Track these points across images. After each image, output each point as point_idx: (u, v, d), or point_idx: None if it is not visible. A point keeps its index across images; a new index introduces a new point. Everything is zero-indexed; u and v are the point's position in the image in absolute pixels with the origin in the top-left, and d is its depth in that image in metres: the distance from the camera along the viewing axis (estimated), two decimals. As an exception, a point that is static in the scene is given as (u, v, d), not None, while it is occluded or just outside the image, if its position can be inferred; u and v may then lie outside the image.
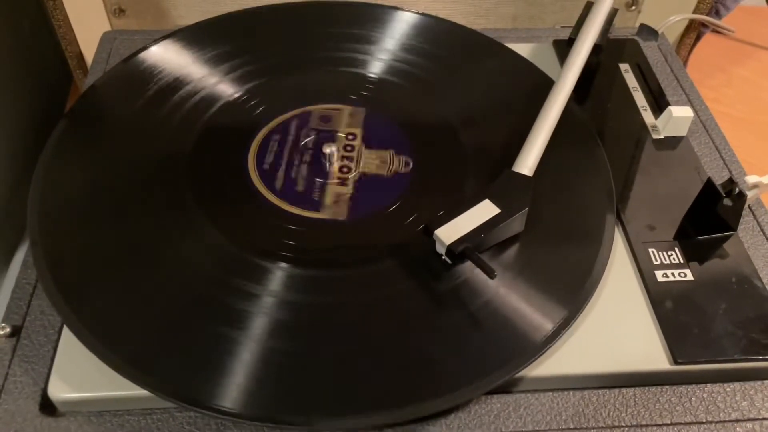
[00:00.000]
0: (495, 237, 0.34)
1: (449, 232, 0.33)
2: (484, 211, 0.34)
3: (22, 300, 0.34)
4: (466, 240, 0.33)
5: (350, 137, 0.40)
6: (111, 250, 0.34)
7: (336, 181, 0.38)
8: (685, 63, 0.60)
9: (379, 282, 0.33)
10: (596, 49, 0.44)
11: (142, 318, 0.32)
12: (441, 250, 0.33)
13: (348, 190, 0.38)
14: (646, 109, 0.44)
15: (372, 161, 0.39)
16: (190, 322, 0.32)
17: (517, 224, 0.35)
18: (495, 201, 0.34)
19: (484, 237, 0.33)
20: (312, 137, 0.40)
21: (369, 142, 0.40)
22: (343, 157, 0.39)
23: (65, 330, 0.32)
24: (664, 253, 0.36)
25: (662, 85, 0.46)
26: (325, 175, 0.38)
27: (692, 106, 0.45)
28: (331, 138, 0.40)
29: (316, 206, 0.37)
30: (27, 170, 0.38)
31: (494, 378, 0.30)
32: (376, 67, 0.45)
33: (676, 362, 0.32)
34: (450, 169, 0.39)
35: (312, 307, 0.32)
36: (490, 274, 0.31)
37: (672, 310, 0.34)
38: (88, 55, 0.55)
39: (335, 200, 0.37)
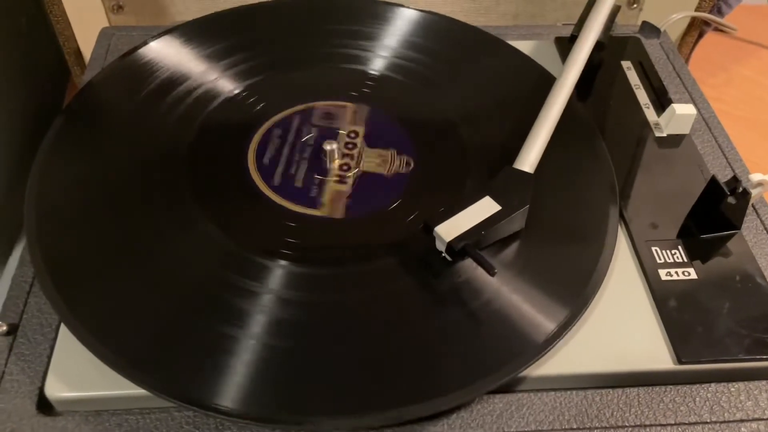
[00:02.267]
0: (495, 234, 0.34)
1: (449, 229, 0.33)
2: (485, 207, 0.34)
3: (19, 298, 0.34)
4: (466, 237, 0.32)
5: (352, 135, 0.40)
6: (109, 248, 0.34)
7: (335, 178, 0.38)
8: (686, 61, 0.60)
9: (381, 280, 0.33)
10: (598, 47, 0.44)
11: (140, 316, 0.31)
12: (441, 247, 0.33)
13: (347, 188, 0.37)
14: (648, 107, 0.44)
15: (372, 160, 0.39)
16: (189, 320, 0.31)
17: (517, 222, 0.35)
18: (496, 198, 0.34)
19: (485, 234, 0.33)
20: (313, 134, 0.40)
21: (371, 141, 0.40)
22: (344, 155, 0.39)
23: (62, 328, 0.32)
24: (668, 251, 0.36)
25: (664, 83, 0.46)
26: (325, 172, 0.38)
27: (695, 104, 0.45)
28: (332, 135, 0.40)
29: (314, 203, 0.36)
30: (24, 167, 0.37)
31: (496, 377, 0.30)
32: (377, 64, 0.44)
33: (680, 362, 0.32)
34: (451, 166, 0.39)
35: (312, 306, 0.32)
36: (491, 271, 0.31)
37: (676, 309, 0.33)
38: (86, 51, 0.55)
39: (333, 198, 0.37)
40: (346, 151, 0.39)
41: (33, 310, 0.33)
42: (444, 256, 0.33)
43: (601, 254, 0.34)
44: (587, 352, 0.32)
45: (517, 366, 0.30)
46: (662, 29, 0.51)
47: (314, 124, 0.41)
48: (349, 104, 0.42)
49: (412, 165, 0.38)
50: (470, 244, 0.32)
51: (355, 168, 0.38)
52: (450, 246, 0.32)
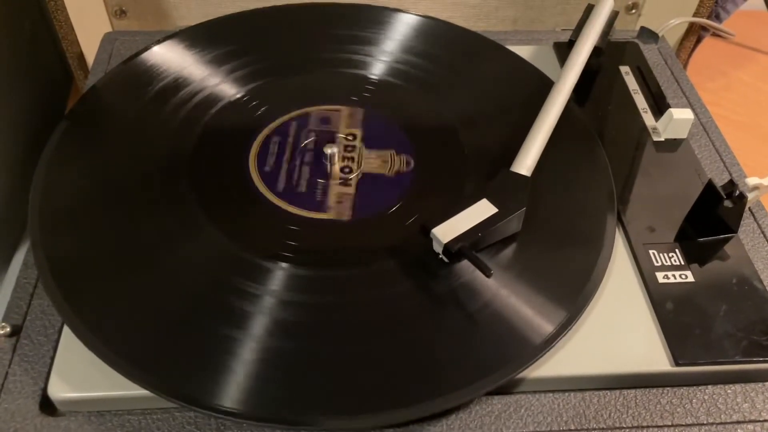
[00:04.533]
0: (492, 236, 0.34)
1: (446, 231, 0.33)
2: (482, 210, 0.34)
3: (23, 299, 0.34)
4: (463, 239, 0.33)
5: (350, 138, 0.40)
6: (112, 250, 0.34)
7: (338, 181, 0.38)
8: (684, 66, 0.60)
9: (381, 282, 0.33)
10: (597, 52, 0.44)
11: (142, 317, 0.32)
12: (438, 248, 0.33)
13: (350, 190, 0.38)
14: (646, 112, 0.44)
15: (373, 161, 0.39)
16: (190, 321, 0.32)
17: (514, 224, 0.35)
18: (492, 200, 0.34)
19: (481, 236, 0.33)
20: (312, 138, 0.40)
21: (369, 143, 0.40)
22: (344, 158, 0.39)
23: (65, 329, 0.32)
24: (665, 254, 0.36)
25: (662, 88, 0.46)
26: (327, 175, 0.38)
27: (692, 109, 0.45)
28: (331, 139, 0.40)
29: (320, 207, 0.37)
30: (27, 170, 0.38)
31: (495, 378, 0.30)
32: (377, 69, 0.45)
33: (677, 364, 0.32)
34: (451, 170, 0.39)
35: (312, 308, 0.32)
36: (487, 272, 0.31)
37: (673, 312, 0.34)
38: (89, 56, 0.55)
39: (338, 200, 0.37)
40: (346, 154, 0.40)
41: (36, 311, 0.34)
42: (441, 258, 0.34)
43: (598, 257, 0.35)
44: (585, 354, 0.32)
45: (516, 367, 0.31)
46: (660, 34, 0.51)
47: (312, 129, 0.41)
48: (343, 108, 0.42)
49: (413, 164, 0.38)
50: (467, 246, 0.32)
51: (357, 170, 0.39)
52: (447, 248, 0.33)
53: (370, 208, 0.37)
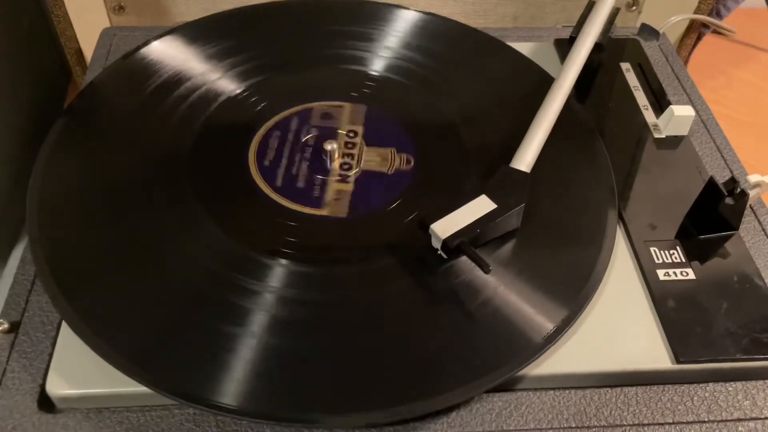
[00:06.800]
0: (491, 232, 0.34)
1: (445, 227, 0.33)
2: (481, 206, 0.34)
3: (21, 296, 0.34)
4: (461, 235, 0.33)
5: (351, 134, 0.40)
6: (110, 246, 0.34)
7: (337, 178, 0.38)
8: (685, 64, 0.60)
9: (381, 280, 0.33)
10: (597, 48, 0.44)
11: (141, 314, 0.31)
12: (436, 244, 0.33)
13: (349, 187, 0.37)
14: (647, 109, 0.44)
15: (373, 159, 0.39)
16: (189, 318, 0.31)
17: (513, 220, 0.35)
18: (492, 196, 0.34)
19: (480, 232, 0.33)
20: (313, 134, 0.40)
21: (370, 140, 0.40)
22: (344, 154, 0.39)
23: (64, 326, 0.32)
24: (666, 252, 0.36)
25: (663, 85, 0.46)
26: (326, 171, 0.38)
27: (693, 106, 0.45)
28: (331, 135, 0.40)
29: (317, 203, 0.37)
30: (26, 166, 0.38)
31: (496, 376, 0.30)
32: (377, 65, 0.44)
33: (678, 361, 0.32)
34: (451, 166, 0.39)
35: (312, 305, 0.32)
36: (485, 268, 0.31)
37: (674, 309, 0.33)
38: (88, 52, 0.55)
39: (336, 197, 0.37)
40: (346, 151, 0.39)
41: (34, 308, 0.34)
42: (440, 254, 0.33)
43: (599, 254, 0.35)
44: (586, 351, 0.32)
45: (516, 365, 0.30)
46: (661, 31, 0.51)
47: (313, 124, 0.41)
48: (346, 104, 0.42)
49: (413, 163, 0.38)
50: (465, 241, 0.32)
51: (356, 167, 0.38)
52: (445, 243, 0.32)
53: (368, 206, 0.37)
